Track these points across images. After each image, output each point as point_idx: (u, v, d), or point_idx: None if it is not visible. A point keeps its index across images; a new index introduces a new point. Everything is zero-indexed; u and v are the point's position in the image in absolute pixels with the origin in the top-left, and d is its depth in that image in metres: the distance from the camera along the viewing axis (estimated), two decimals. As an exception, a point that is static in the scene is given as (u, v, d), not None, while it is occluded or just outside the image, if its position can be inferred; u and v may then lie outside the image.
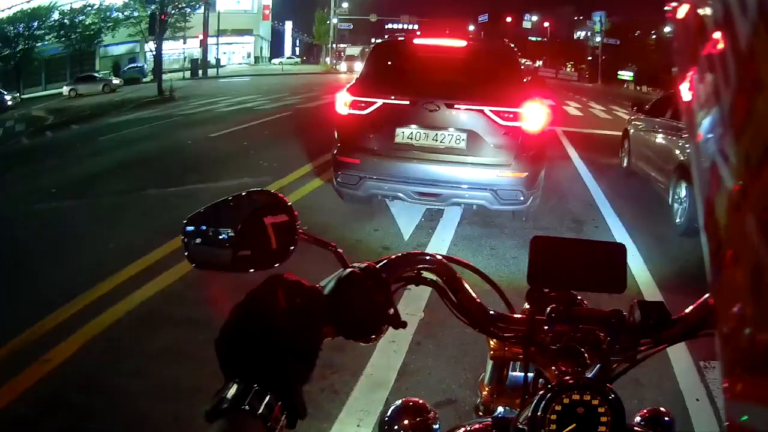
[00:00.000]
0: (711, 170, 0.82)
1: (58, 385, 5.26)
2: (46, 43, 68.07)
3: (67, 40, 67.40)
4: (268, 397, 1.14)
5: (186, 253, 1.49)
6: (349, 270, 1.39)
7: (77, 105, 37.63)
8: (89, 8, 70.64)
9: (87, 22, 69.36)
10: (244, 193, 1.52)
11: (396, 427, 1.83)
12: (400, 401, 1.90)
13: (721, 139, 0.79)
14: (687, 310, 1.53)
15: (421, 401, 1.90)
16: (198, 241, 1.49)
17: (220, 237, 1.47)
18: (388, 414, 1.85)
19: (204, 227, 1.49)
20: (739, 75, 0.74)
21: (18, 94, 47.24)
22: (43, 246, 8.77)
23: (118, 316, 6.45)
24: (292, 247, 1.48)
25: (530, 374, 1.57)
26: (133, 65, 67.37)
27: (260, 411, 1.12)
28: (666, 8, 0.93)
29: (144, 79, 59.90)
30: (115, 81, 48.77)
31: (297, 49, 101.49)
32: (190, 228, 1.49)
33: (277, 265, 1.46)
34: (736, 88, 0.75)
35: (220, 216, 1.50)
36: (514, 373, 1.85)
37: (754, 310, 0.74)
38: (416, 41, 9.84)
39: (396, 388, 5.15)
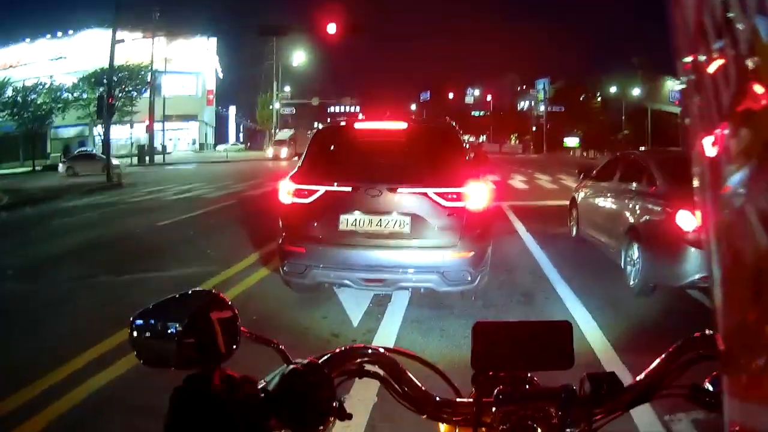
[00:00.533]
0: (723, 196, 0.84)
1: None
2: (0, 119, 68.25)
3: (19, 118, 67.48)
4: None
5: (133, 347, 1.46)
6: (291, 366, 1.43)
7: (29, 187, 37.47)
8: (41, 86, 70.98)
9: (39, 101, 69.66)
10: (189, 292, 1.51)
11: None
12: None
13: (720, 143, 0.83)
14: (640, 376, 1.56)
15: None
16: (147, 334, 1.45)
17: (167, 333, 1.44)
18: None
19: (151, 323, 1.46)
20: (737, 80, 0.79)
21: None
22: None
23: (75, 402, 6.37)
24: (234, 347, 1.47)
25: None
26: (82, 149, 67.23)
27: None
28: (685, 60, 0.94)
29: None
30: (115, 162, 47.86)
31: (241, 134, 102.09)
32: (138, 322, 1.46)
33: (222, 364, 1.45)
34: (735, 95, 0.79)
35: (166, 313, 1.46)
36: None
37: (756, 313, 0.77)
38: (357, 125, 9.86)
39: None
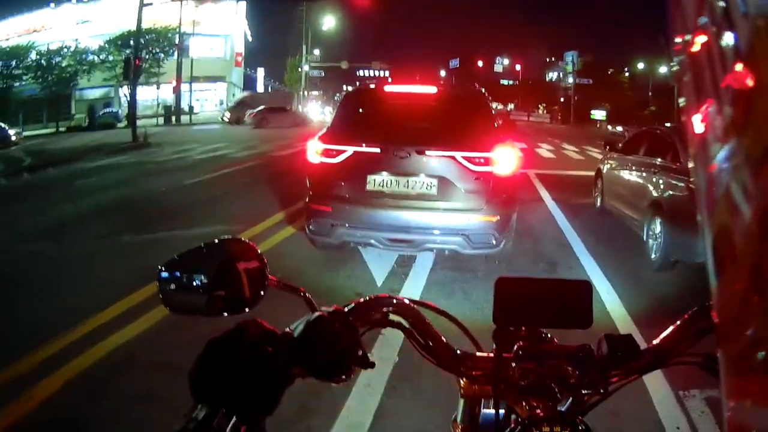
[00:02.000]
0: (711, 174, 0.84)
1: (37, 425, 5.30)
2: (24, 83, 68.15)
3: (44, 81, 67.44)
4: (233, 420, 1.21)
5: (161, 298, 1.52)
6: (317, 314, 1.42)
7: (53, 148, 37.41)
8: (66, 50, 70.91)
9: (63, 64, 69.54)
10: (216, 241, 1.58)
11: None
12: None
13: (733, 174, 0.79)
14: (655, 341, 1.57)
15: None
16: (173, 287, 1.52)
17: (194, 283, 1.51)
18: None
19: (178, 273, 1.52)
20: (738, 80, 0.76)
21: (21, 131, 47.20)
22: (21, 287, 8.76)
23: (97, 358, 6.44)
24: (262, 293, 1.53)
25: (502, 411, 1.59)
26: (107, 110, 67.14)
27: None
28: (677, 40, 0.94)
29: (119, 125, 59.62)
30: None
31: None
32: (164, 274, 1.52)
33: (248, 310, 1.52)
34: (735, 95, 0.77)
35: (193, 263, 1.53)
36: (486, 411, 1.84)
37: (755, 313, 0.75)
38: (387, 88, 9.85)
39: (373, 429, 5.16)
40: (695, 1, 0.90)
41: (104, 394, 5.77)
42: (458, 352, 1.60)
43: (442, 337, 1.60)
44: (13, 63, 67.08)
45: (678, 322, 1.56)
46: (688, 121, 0.92)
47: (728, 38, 0.79)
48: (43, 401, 5.58)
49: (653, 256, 10.31)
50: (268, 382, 1.31)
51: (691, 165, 0.96)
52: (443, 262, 9.77)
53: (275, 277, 1.57)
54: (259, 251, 1.57)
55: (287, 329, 1.41)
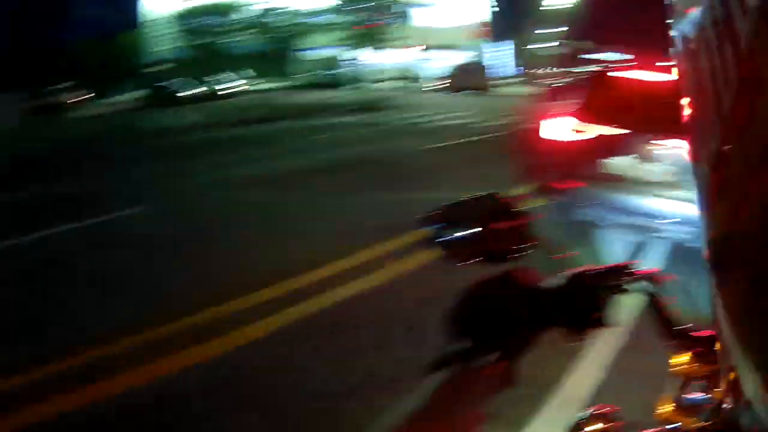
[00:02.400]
0: (711, 174, 0.87)
1: (257, 356, 5.88)
2: (238, 39, 69.50)
3: (271, 38, 68.54)
4: (492, 355, 1.33)
5: (431, 243, 1.59)
6: (569, 273, 1.54)
7: (282, 103, 38.19)
8: (283, 10, 73.18)
9: (283, 24, 71.71)
10: (483, 194, 1.64)
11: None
12: (592, 408, 1.84)
13: (721, 144, 0.82)
14: None
15: (613, 408, 1.84)
16: (445, 234, 1.56)
17: (466, 233, 1.55)
18: (580, 418, 1.81)
19: (449, 222, 1.58)
20: (738, 80, 0.77)
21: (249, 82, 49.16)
22: (274, 228, 9.64)
23: (323, 306, 6.93)
24: (523, 249, 1.58)
25: (714, 396, 1.54)
26: (334, 71, 68.30)
27: (482, 366, 1.31)
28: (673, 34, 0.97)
29: (353, 86, 60.51)
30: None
31: (519, 68, 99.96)
32: (435, 223, 1.58)
33: (512, 261, 1.58)
34: (735, 94, 0.78)
35: (461, 213, 1.60)
36: (697, 395, 1.76)
37: (754, 311, 0.78)
38: (631, 73, 9.78)
39: (589, 404, 5.11)
40: None
41: (329, 341, 6.16)
42: (687, 328, 1.60)
43: (673, 313, 1.62)
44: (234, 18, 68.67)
45: None
46: (687, 116, 0.96)
47: (726, 32, 0.79)
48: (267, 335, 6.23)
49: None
50: (525, 325, 1.42)
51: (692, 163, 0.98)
52: (675, 251, 9.62)
53: (537, 237, 1.62)
54: (522, 209, 1.61)
55: (542, 283, 1.50)
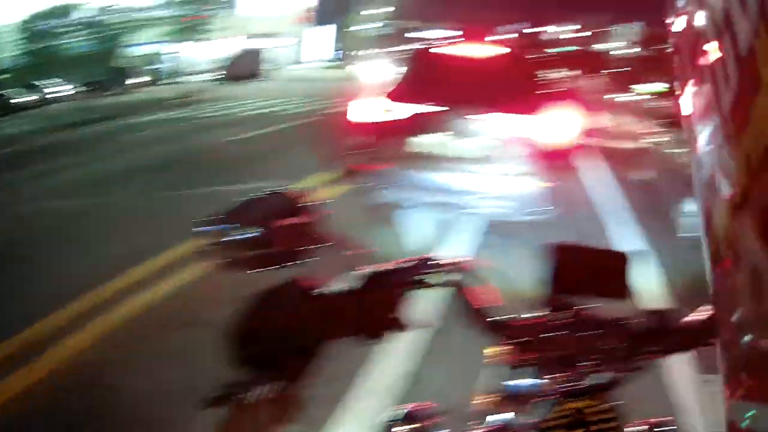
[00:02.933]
0: (711, 175, 0.84)
1: (66, 378, 5.49)
2: (71, 41, 69.47)
3: (95, 38, 68.66)
4: (271, 386, 1.29)
5: (209, 251, 1.50)
6: (362, 272, 1.47)
7: (101, 104, 38.21)
8: (113, 7, 71.96)
9: (110, 23, 70.75)
10: (269, 193, 1.58)
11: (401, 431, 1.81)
12: (406, 406, 1.88)
13: (721, 144, 0.79)
14: (690, 320, 1.54)
15: (426, 406, 1.88)
16: (221, 239, 1.49)
17: (247, 235, 1.47)
18: (394, 419, 1.83)
19: (228, 226, 1.50)
20: (738, 80, 0.75)
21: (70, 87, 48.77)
22: (72, 240, 9.16)
23: (124, 317, 6.62)
24: (314, 248, 1.53)
25: (532, 380, 1.59)
26: (155, 66, 68.36)
27: (263, 397, 1.27)
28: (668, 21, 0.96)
29: (171, 80, 60.76)
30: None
31: (339, 53, 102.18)
32: (213, 227, 1.50)
33: (299, 262, 1.51)
34: (735, 94, 0.76)
35: (244, 215, 1.51)
36: (513, 380, 1.77)
37: (754, 312, 0.77)
38: (451, 49, 9.83)
39: (400, 394, 5.20)
40: None
41: (133, 351, 5.90)
42: (498, 317, 1.56)
43: (484, 301, 1.56)
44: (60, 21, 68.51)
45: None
46: (676, 102, 0.93)
47: (701, 18, 0.80)
48: (78, 352, 5.86)
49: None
50: (311, 343, 1.36)
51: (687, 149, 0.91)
52: (490, 226, 9.59)
53: (326, 233, 1.56)
54: (312, 204, 1.56)
55: (330, 287, 1.43)
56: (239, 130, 21.82)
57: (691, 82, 0.90)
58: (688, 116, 0.91)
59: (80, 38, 70.48)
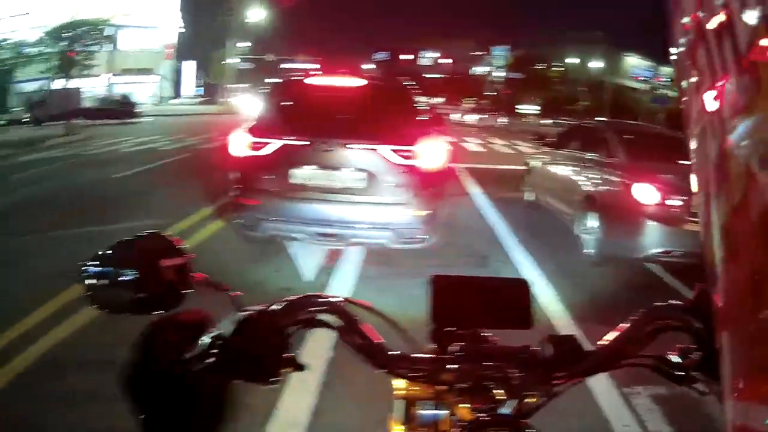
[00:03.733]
0: (712, 170, 0.85)
1: None
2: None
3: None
4: None
5: (87, 296, 1.43)
6: (244, 314, 1.41)
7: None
8: (4, 42, 70.17)
9: (3, 57, 68.87)
10: (140, 235, 1.50)
11: None
12: None
13: (751, 149, 0.78)
14: (603, 342, 1.50)
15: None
16: (98, 283, 1.43)
17: (120, 279, 1.42)
18: None
19: (103, 269, 1.44)
20: (738, 74, 0.77)
21: None
22: None
23: (30, 361, 6.28)
24: (187, 291, 1.47)
25: (442, 412, 1.56)
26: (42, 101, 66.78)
27: None
28: (684, 21, 0.94)
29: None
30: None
31: (201, 88, 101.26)
32: (90, 270, 1.44)
33: (175, 308, 1.45)
34: (737, 91, 0.78)
35: (118, 258, 1.45)
36: (422, 412, 1.75)
37: (756, 310, 0.75)
38: (314, 80, 9.82)
39: (310, 427, 5.11)
40: None
41: (39, 396, 5.61)
42: (394, 352, 1.51)
43: (377, 337, 1.51)
44: None
45: (627, 323, 1.50)
46: (697, 98, 0.91)
47: (748, 16, 0.78)
48: None
49: (587, 250, 10.34)
50: (189, 391, 1.31)
51: (692, 146, 0.95)
52: (373, 257, 9.72)
53: (201, 274, 1.50)
54: (183, 246, 1.50)
55: (214, 329, 1.38)
56: (123, 167, 21.22)
57: (694, 77, 0.91)
58: (688, 111, 0.91)
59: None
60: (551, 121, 72.89)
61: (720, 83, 0.85)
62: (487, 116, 73.19)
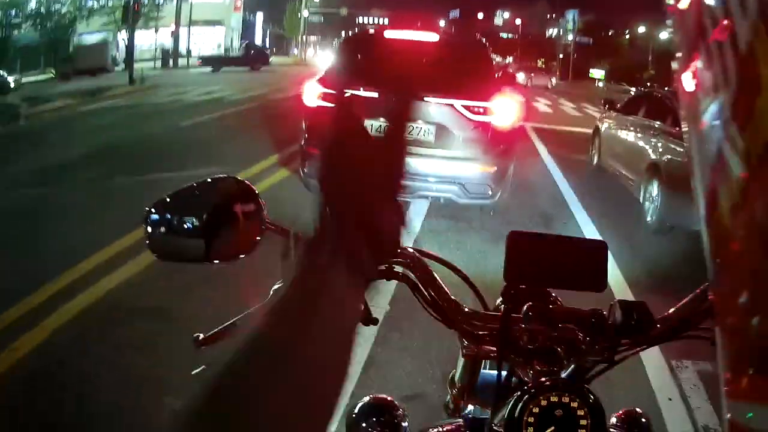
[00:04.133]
0: (713, 164, 0.81)
1: (24, 374, 5.21)
2: (23, 31, 67.99)
3: (42, 28, 67.21)
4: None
5: (148, 243, 1.42)
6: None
7: (50, 93, 37.30)
8: None
9: (62, 11, 69.37)
10: (209, 180, 1.47)
11: (364, 424, 1.75)
12: (368, 398, 1.83)
13: (723, 132, 0.77)
14: (670, 311, 1.48)
15: (389, 398, 1.84)
16: (162, 230, 1.41)
17: (185, 226, 1.39)
18: (356, 411, 1.78)
19: (168, 216, 1.41)
20: (739, 70, 0.73)
21: (20, 77, 47.10)
22: (15, 231, 8.68)
23: (85, 305, 6.37)
24: (258, 237, 1.44)
25: (503, 373, 1.49)
26: (105, 54, 67.16)
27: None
28: (668, 1, 0.91)
29: (116, 68, 59.55)
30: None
31: (267, 40, 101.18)
32: (153, 217, 1.41)
33: (242, 256, 1.43)
34: (737, 82, 0.74)
35: (185, 204, 1.43)
36: (486, 372, 1.78)
37: (757, 307, 0.73)
38: (387, 34, 9.79)
39: (361, 382, 5.05)
40: None
41: (93, 342, 5.70)
42: (465, 309, 1.52)
43: (448, 293, 1.52)
44: (13, 12, 66.92)
45: (691, 295, 1.47)
46: (678, 79, 0.90)
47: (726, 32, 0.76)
48: (33, 349, 5.55)
49: (649, 218, 10.24)
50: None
51: (684, 128, 0.93)
52: (437, 210, 9.71)
53: (273, 221, 1.46)
54: (256, 191, 1.47)
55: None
56: (191, 116, 21.31)
57: (694, 60, 0.87)
58: (689, 95, 0.88)
59: (32, 28, 68.93)
60: (615, 86, 71.75)
61: (693, 65, 0.86)
62: (535, 76, 72.10)
